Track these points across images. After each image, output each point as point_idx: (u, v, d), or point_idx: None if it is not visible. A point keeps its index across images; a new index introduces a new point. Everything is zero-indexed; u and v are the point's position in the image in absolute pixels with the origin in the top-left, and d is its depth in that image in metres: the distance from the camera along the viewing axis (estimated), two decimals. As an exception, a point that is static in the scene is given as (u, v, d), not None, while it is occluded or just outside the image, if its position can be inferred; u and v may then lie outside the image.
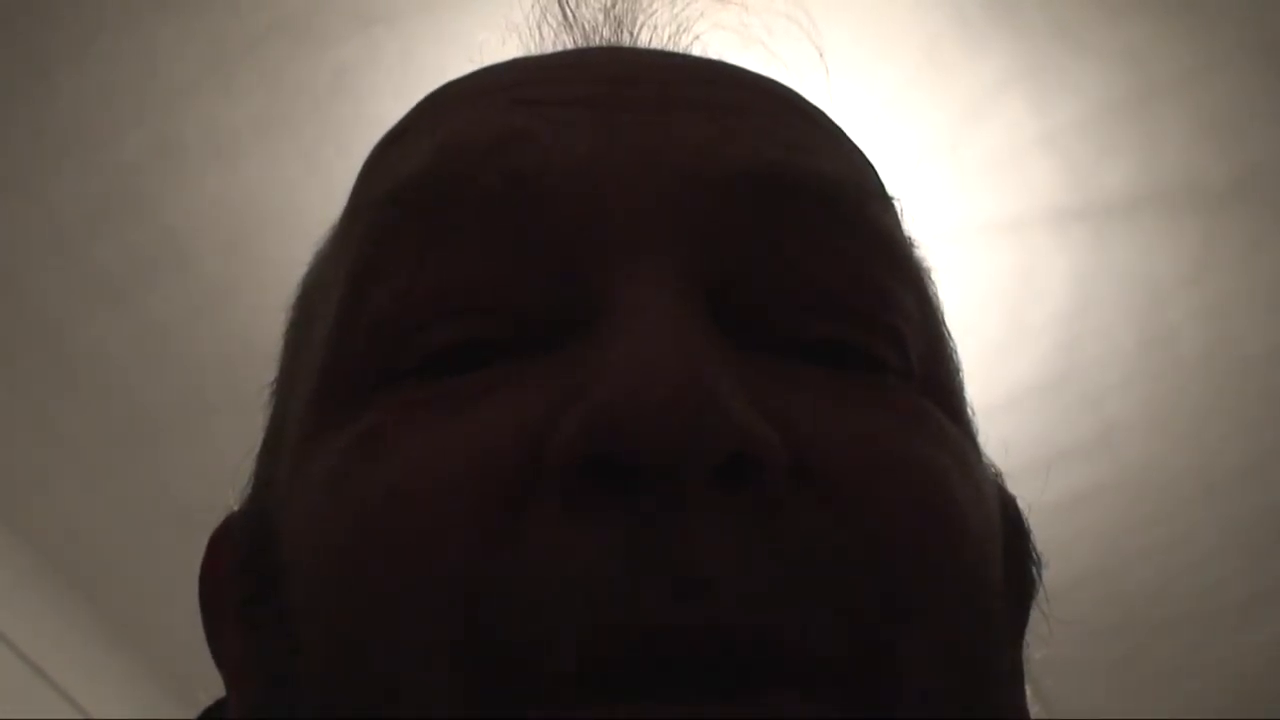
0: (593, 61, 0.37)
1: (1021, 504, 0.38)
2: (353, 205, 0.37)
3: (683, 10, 0.40)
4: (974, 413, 0.36)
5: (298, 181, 1.63)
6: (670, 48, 0.39)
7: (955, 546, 0.30)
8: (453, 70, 0.38)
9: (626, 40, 0.40)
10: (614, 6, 0.40)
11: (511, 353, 0.31)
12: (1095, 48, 1.60)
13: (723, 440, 0.26)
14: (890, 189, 0.37)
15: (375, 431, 0.30)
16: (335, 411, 0.32)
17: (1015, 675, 0.34)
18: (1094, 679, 2.23)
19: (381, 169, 0.36)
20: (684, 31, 0.40)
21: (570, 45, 0.39)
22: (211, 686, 0.40)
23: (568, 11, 0.40)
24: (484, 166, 0.32)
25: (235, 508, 0.38)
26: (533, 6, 0.40)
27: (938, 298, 0.37)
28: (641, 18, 0.40)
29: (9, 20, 1.48)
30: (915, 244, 0.37)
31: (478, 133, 0.33)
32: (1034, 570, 0.37)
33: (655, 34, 0.40)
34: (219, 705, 0.40)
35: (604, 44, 0.40)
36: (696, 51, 0.39)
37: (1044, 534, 0.38)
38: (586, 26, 0.40)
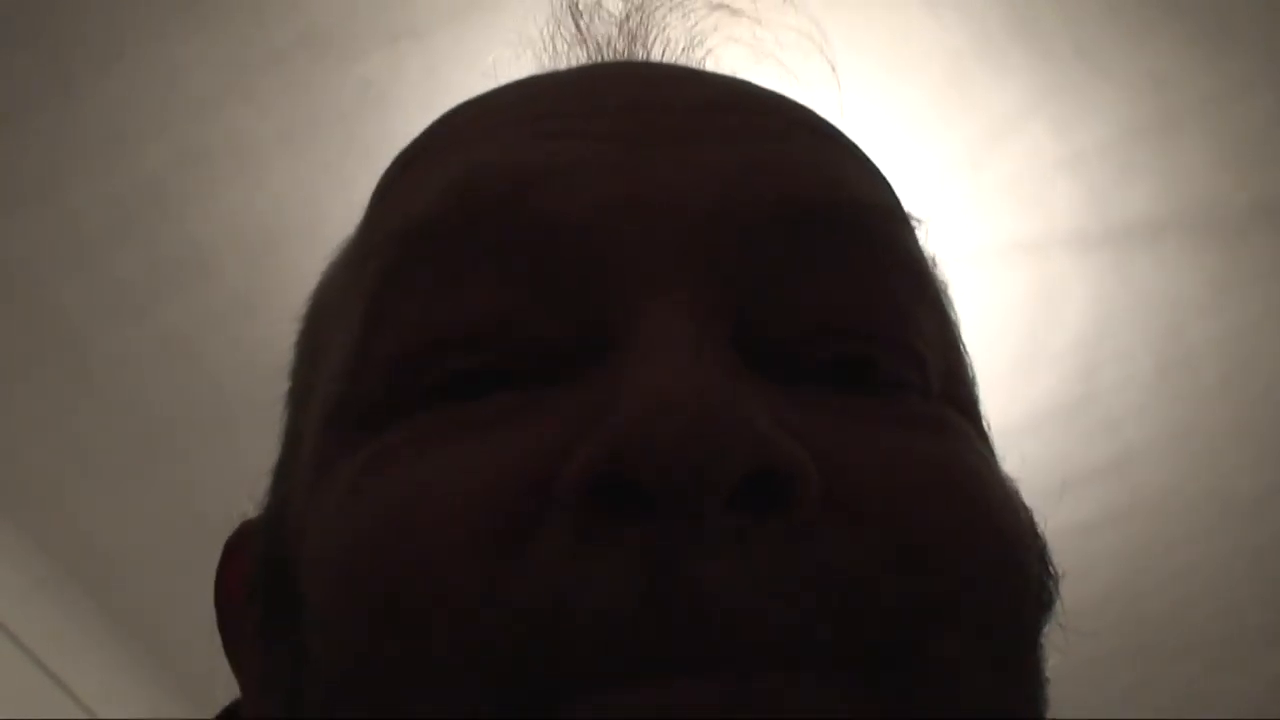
0: (613, 83, 0.36)
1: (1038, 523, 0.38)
2: (367, 233, 0.36)
3: (696, 25, 0.40)
4: (989, 425, 0.36)
5: (322, 194, 1.63)
6: (684, 61, 0.39)
7: (990, 540, 0.30)
8: (479, 86, 0.38)
9: (640, 54, 0.39)
10: (628, 19, 0.40)
11: (527, 382, 0.30)
12: (1118, 71, 1.60)
13: (747, 457, 0.26)
14: (909, 207, 0.37)
15: (388, 454, 0.30)
16: (349, 439, 0.32)
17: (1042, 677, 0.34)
18: (1110, 703, 2.22)
19: (396, 196, 0.36)
20: (697, 45, 0.39)
21: (584, 59, 0.39)
22: (223, 692, 0.40)
23: (581, 25, 0.40)
24: (503, 208, 0.32)
25: (252, 515, 0.38)
26: (547, 20, 0.40)
27: (955, 315, 0.37)
28: (655, 32, 0.39)
29: (33, 30, 1.49)
30: (934, 263, 0.37)
31: (496, 170, 0.32)
32: (1051, 585, 0.37)
33: (669, 48, 0.39)
34: (238, 704, 0.40)
35: (618, 57, 0.39)
36: (710, 66, 0.39)
37: (1060, 557, 0.38)
38: (600, 40, 0.40)
